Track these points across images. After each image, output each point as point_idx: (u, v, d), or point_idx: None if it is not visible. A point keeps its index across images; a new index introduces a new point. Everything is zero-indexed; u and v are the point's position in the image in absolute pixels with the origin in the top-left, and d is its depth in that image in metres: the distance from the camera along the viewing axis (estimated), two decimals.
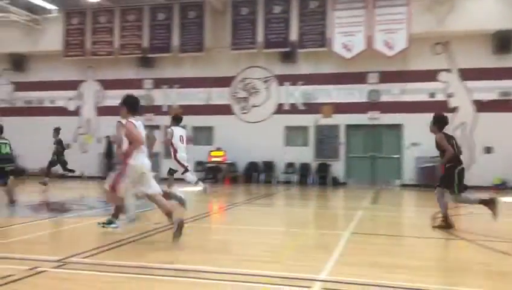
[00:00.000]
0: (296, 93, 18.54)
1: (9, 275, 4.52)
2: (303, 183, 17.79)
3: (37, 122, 20.66)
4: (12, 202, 10.11)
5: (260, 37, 17.99)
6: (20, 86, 21.16)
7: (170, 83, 19.68)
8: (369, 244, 6.67)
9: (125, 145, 6.66)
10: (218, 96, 19.26)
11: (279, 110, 18.70)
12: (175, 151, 11.02)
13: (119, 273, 4.72)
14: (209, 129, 19.30)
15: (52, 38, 19.68)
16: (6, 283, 4.28)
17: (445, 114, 7.97)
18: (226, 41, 18.43)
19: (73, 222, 8.40)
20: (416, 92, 17.39)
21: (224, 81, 19.13)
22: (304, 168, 18.18)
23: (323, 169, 17.98)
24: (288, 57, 18.26)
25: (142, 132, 6.87)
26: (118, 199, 6.89)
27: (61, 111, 20.62)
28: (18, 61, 20.80)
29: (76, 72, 20.51)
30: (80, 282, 4.42)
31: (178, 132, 11.16)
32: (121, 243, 6.30)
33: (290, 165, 18.29)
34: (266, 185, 17.41)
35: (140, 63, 19.53)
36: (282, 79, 18.69)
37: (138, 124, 6.85)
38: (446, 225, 7.57)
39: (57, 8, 19.20)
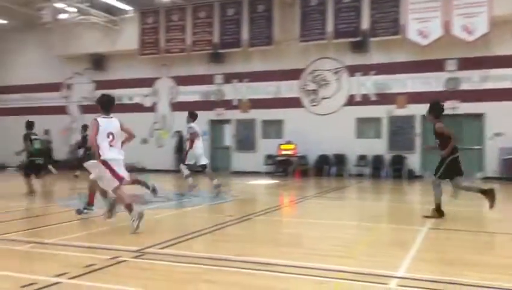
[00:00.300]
0: (368, 84, 18.04)
1: (92, 264, 4.79)
2: (376, 176, 17.31)
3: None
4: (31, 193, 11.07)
5: (330, 27, 17.67)
6: (100, 84, 22.36)
7: (240, 77, 19.91)
8: (448, 240, 6.34)
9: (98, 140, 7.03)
10: (287, 89, 19.20)
11: (350, 101, 18.29)
12: (191, 146, 11.62)
13: (196, 264, 4.84)
14: (278, 122, 19.32)
15: (129, 38, 20.60)
16: (89, 272, 4.54)
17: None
18: (294, 33, 18.30)
19: (151, 213, 8.74)
20: (499, 79, 16.28)
21: (293, 74, 19.03)
22: (377, 160, 17.67)
23: (397, 161, 17.38)
24: (359, 47, 17.79)
25: (114, 128, 7.32)
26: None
27: (138, 107, 21.56)
28: (98, 61, 22.00)
29: (151, 70, 21.33)
30: (158, 272, 4.58)
31: (196, 128, 11.65)
32: (195, 235, 6.47)
33: (362, 157, 17.86)
34: (337, 178, 17.13)
35: (211, 58, 19.93)
36: (353, 69, 18.26)
37: (108, 120, 7.42)
38: (439, 214, 7.69)
39: (132, 8, 20.07)
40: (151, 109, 21.57)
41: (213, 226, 7.25)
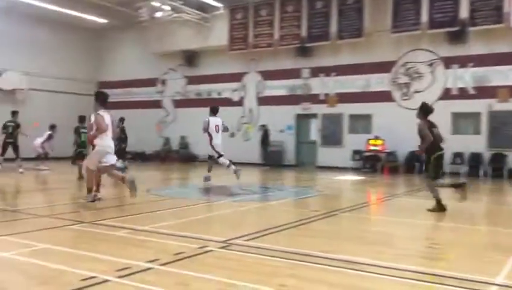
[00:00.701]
0: (466, 76, 16.89)
1: (182, 252, 4.97)
2: (473, 175, 16.17)
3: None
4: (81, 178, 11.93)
5: (424, 17, 16.77)
6: (191, 80, 23.25)
7: (327, 71, 19.60)
8: None
9: (93, 131, 8.40)
10: (377, 82, 18.56)
11: (446, 95, 17.25)
12: (210, 138, 12.45)
13: (280, 258, 4.83)
14: (367, 117, 18.75)
15: (219, 34, 21.13)
16: (178, 259, 4.71)
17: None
18: (386, 24, 17.62)
19: (237, 205, 8.91)
20: None
21: (384, 67, 18.34)
22: (475, 158, 16.52)
23: (498, 160, 16.11)
24: (456, 37, 16.68)
25: (109, 122, 8.47)
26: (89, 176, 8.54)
27: (227, 102, 22.07)
28: (190, 57, 22.84)
29: (240, 65, 21.73)
30: (243, 264, 4.64)
31: (214, 121, 12.56)
32: (280, 229, 6.47)
33: (458, 155, 16.77)
34: None
35: (298, 52, 19.82)
36: (449, 61, 17.18)
37: (106, 115, 8.60)
38: (439, 208, 8.07)
39: (222, 5, 20.55)
40: (239, 103, 21.98)
41: (298, 221, 7.21)
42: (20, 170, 14.88)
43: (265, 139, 19.92)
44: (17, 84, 21.76)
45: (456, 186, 8.26)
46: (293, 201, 10.46)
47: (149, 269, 4.36)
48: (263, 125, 20.19)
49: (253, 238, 5.77)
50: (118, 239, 5.68)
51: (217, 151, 12.55)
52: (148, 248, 5.25)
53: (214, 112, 12.97)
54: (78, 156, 13.17)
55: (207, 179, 12.52)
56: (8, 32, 21.29)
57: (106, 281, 3.98)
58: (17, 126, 15.59)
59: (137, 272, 4.26)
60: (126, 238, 5.74)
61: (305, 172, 18.00)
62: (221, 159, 12.66)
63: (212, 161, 12.77)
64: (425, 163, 8.23)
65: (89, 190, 8.50)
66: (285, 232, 6.38)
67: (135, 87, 24.91)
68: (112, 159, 8.64)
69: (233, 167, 12.75)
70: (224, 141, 18.98)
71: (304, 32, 19.12)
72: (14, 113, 15.99)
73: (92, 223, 6.61)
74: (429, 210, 8.12)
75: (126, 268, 4.33)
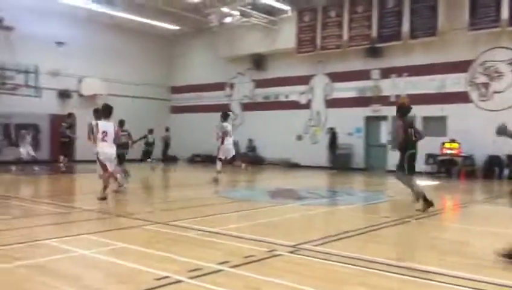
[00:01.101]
0: None
1: (251, 255, 5.02)
2: None
3: (273, 115, 22.62)
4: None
5: (505, 13, 15.78)
6: (259, 83, 23.47)
7: (399, 71, 18.99)
8: None
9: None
10: (452, 83, 17.70)
11: None
12: (222, 142, 13.40)
13: (350, 265, 4.74)
14: (441, 119, 17.92)
15: (287, 37, 21.16)
16: (248, 262, 4.77)
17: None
18: (462, 22, 16.78)
19: (305, 209, 8.87)
20: None
21: (459, 66, 17.46)
22: None
23: None
24: None
25: (110, 131, 9.32)
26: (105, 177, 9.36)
27: (294, 105, 22.06)
28: (258, 61, 23.07)
29: (307, 67, 21.63)
30: (312, 269, 4.60)
31: (226, 126, 13.53)
32: (349, 234, 6.35)
33: None
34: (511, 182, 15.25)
35: (368, 53, 19.39)
36: None
37: (107, 124, 9.44)
38: (427, 205, 8.23)
39: (290, 8, 20.57)
40: (306, 106, 21.86)
41: (367, 227, 7.04)
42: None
43: (333, 142, 19.64)
44: (96, 89, 23.08)
45: (425, 201, 8.30)
46: (363, 206, 10.23)
47: (219, 271, 4.45)
48: (331, 128, 19.93)
49: (321, 244, 5.71)
50: (190, 240, 5.85)
51: (220, 155, 13.60)
52: (218, 249, 5.36)
53: (225, 117, 13.75)
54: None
55: (215, 179, 13.39)
56: (88, 41, 22.66)
57: (179, 281, 4.11)
58: (70, 126, 17.35)
59: (208, 273, 4.35)
60: (197, 239, 5.89)
61: (375, 176, 17.55)
62: (218, 163, 13.62)
63: (221, 162, 13.77)
64: (400, 161, 8.53)
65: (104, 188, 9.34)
66: (355, 238, 6.25)
67: (204, 92, 25.57)
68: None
69: (218, 175, 13.53)
70: (292, 145, 19.13)
71: (374, 32, 18.66)
72: (70, 115, 17.72)
73: (165, 224, 6.85)
74: (419, 210, 8.23)
75: (198, 269, 4.45)
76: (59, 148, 17.60)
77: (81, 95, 22.83)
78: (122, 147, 13.08)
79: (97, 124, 9.32)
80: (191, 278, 4.19)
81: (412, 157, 8.48)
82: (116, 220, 7.29)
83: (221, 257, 4.96)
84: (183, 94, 26.68)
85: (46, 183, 14.36)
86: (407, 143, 8.33)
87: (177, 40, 26.45)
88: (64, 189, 12.90)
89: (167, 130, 22.35)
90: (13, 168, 16.68)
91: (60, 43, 21.67)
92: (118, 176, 10.52)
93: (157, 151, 20.02)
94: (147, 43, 25.40)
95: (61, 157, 17.04)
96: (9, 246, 5.42)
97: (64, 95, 22.28)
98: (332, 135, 19.70)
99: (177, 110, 27.00)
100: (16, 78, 19.45)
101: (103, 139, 9.20)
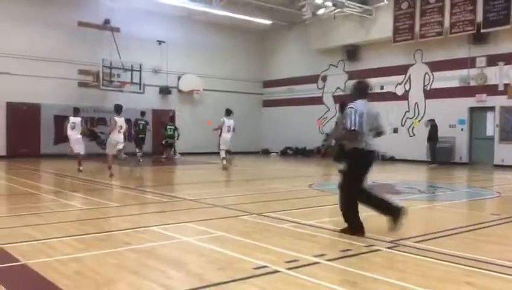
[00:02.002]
0: None
1: (348, 249, 4.95)
2: None
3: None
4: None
5: None
6: (353, 75, 22.90)
7: (508, 58, 17.48)
8: None
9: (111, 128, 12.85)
10: None
11: None
12: (220, 134, 15.10)
13: (454, 263, 4.48)
14: None
15: (382, 26, 20.42)
16: (345, 257, 4.70)
17: None
18: None
19: (403, 204, 8.50)
20: None
21: None
22: None
23: None
24: None
25: (122, 124, 12.77)
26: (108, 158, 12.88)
27: (390, 96, 21.27)
28: (352, 52, 22.54)
29: (404, 57, 20.72)
30: (413, 266, 4.42)
31: (227, 122, 15.16)
32: (452, 232, 6.01)
33: None
34: None
35: (472, 40, 18.10)
36: None
37: (120, 119, 12.75)
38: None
39: None
40: (403, 97, 20.97)
41: (473, 225, 6.60)
42: (141, 160, 17.80)
43: (433, 135, 18.55)
44: (194, 85, 24.12)
45: None
46: (467, 202, 9.61)
47: (316, 263, 4.44)
48: (431, 120, 18.82)
49: (422, 240, 5.46)
50: (285, 231, 5.90)
51: (220, 145, 15.24)
52: (314, 242, 5.35)
53: (228, 113, 15.47)
54: (165, 146, 19.02)
55: (227, 160, 15.29)
56: (186, 38, 23.72)
57: (277, 271, 4.17)
58: (147, 123, 18.82)
59: (305, 265, 4.36)
60: (292, 231, 5.92)
61: (480, 171, 16.38)
62: (221, 153, 15.29)
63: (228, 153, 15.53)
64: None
65: (109, 168, 12.57)
66: (459, 235, 5.90)
67: (296, 85, 25.57)
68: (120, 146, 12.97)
69: (223, 162, 15.18)
70: (388, 138, 18.54)
71: (479, 17, 17.34)
72: (143, 114, 19.27)
73: (260, 215, 6.98)
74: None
75: (294, 260, 4.48)
76: (136, 143, 18.82)
77: (180, 91, 23.98)
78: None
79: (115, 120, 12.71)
80: (289, 269, 4.23)
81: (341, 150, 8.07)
82: (214, 210, 7.57)
83: (318, 249, 4.95)
84: (275, 88, 26.92)
85: (149, 173, 15.31)
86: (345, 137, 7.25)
87: (270, 35, 26.71)
88: (166, 179, 13.67)
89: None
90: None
91: (160, 42, 22.94)
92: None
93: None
94: (240, 39, 25.98)
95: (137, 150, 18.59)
96: (120, 231, 5.87)
97: (164, 91, 23.56)
98: (433, 128, 18.60)
99: (269, 103, 27.32)
100: (122, 76, 20.92)
101: (119, 131, 12.70)
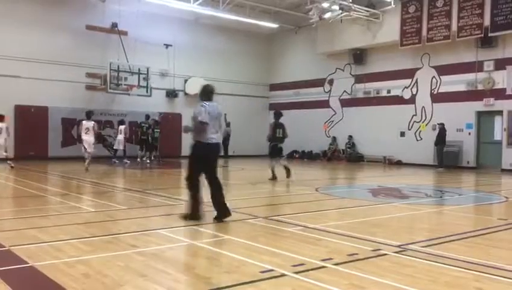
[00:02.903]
0: None
1: (355, 254, 4.92)
2: None
3: (374, 111, 21.97)
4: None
5: None
6: (359, 78, 22.90)
7: None
8: None
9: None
10: None
11: None
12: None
13: (462, 268, 4.45)
14: None
15: (389, 29, 20.39)
16: (352, 261, 4.68)
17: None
18: None
19: (410, 208, 8.50)
20: None
21: None
22: None
23: None
24: None
25: (89, 127, 14.54)
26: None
27: (397, 100, 21.22)
28: (358, 55, 22.51)
29: (411, 61, 20.68)
30: (421, 271, 4.38)
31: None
32: (460, 236, 5.97)
33: None
34: None
35: (479, 43, 18.03)
36: None
37: (88, 123, 14.61)
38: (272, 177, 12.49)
39: None
40: (410, 100, 20.90)
41: (480, 229, 6.56)
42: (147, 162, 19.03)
43: (441, 139, 18.46)
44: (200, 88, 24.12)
45: (286, 169, 12.62)
46: (475, 207, 9.55)
47: (323, 267, 4.42)
48: (440, 124, 18.71)
49: (430, 245, 5.43)
50: (292, 235, 5.89)
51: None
52: (321, 246, 5.33)
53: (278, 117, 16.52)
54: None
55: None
56: (193, 42, 23.81)
57: (283, 275, 4.16)
58: (149, 126, 19.54)
59: (312, 269, 4.35)
60: (299, 235, 5.91)
61: (488, 175, 16.29)
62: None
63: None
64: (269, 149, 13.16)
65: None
66: (467, 240, 5.85)
67: (303, 88, 25.55)
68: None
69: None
70: (395, 141, 18.60)
71: (487, 21, 17.28)
72: (147, 117, 19.96)
73: (267, 218, 6.97)
74: (270, 179, 12.60)
75: (301, 264, 4.47)
76: (139, 144, 20.01)
77: (186, 94, 24.04)
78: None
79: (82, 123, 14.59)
80: (295, 272, 4.22)
81: (274, 148, 12.91)
82: None
83: (324, 253, 4.93)
84: (282, 91, 26.92)
85: (154, 176, 15.35)
86: (273, 138, 12.76)
87: (276, 38, 26.75)
88: (170, 182, 13.70)
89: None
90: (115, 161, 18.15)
91: (167, 45, 23.03)
92: None
93: None
94: (247, 42, 26.03)
95: (140, 153, 19.59)
96: (127, 234, 5.88)
97: (171, 94, 23.63)
98: (441, 131, 18.52)
99: (276, 107, 27.24)
100: (129, 79, 21.00)
101: (86, 133, 14.41)
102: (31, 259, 4.55)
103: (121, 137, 18.66)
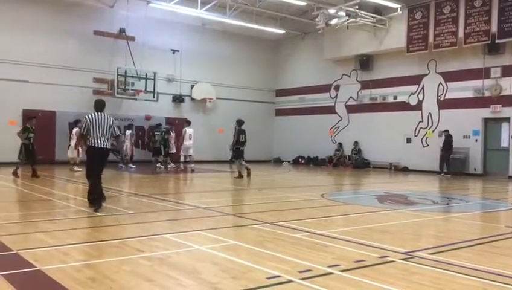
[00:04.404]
0: None
1: (362, 260, 4.91)
2: None
3: (380, 117, 21.93)
4: None
5: None
6: (365, 84, 22.87)
7: None
8: None
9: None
10: None
11: None
12: (181, 144, 18.01)
13: (470, 276, 4.42)
14: None
15: (396, 36, 20.40)
16: (359, 267, 4.66)
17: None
18: None
19: (416, 215, 8.46)
20: None
21: None
22: None
23: None
24: None
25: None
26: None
27: (403, 106, 21.17)
28: (364, 61, 22.50)
29: (418, 67, 20.65)
30: (428, 279, 4.35)
31: (188, 131, 17.90)
32: (468, 244, 5.95)
33: None
34: None
35: (486, 50, 17.98)
36: None
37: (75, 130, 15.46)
38: (239, 176, 14.82)
39: (399, 6, 19.76)
40: (416, 107, 20.85)
41: (488, 237, 6.52)
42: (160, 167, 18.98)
43: (447, 146, 18.38)
44: (206, 94, 24.25)
45: (247, 169, 15.01)
46: (482, 214, 9.50)
47: (330, 273, 4.41)
48: (445, 131, 18.66)
49: (437, 252, 5.40)
50: (298, 241, 5.88)
51: (179, 152, 18.51)
52: (327, 252, 5.31)
53: (189, 123, 18.27)
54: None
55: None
56: (199, 47, 23.91)
57: (290, 281, 4.15)
58: (162, 133, 19.71)
59: (319, 275, 4.34)
60: (305, 241, 5.90)
61: (495, 182, 16.19)
62: (181, 156, 18.45)
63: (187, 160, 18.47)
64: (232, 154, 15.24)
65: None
66: (474, 248, 5.82)
67: (309, 94, 25.57)
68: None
69: (172, 164, 18.96)
70: (401, 148, 18.51)
71: (494, 27, 17.24)
72: (159, 125, 20.52)
73: (273, 224, 6.97)
74: (236, 177, 14.69)
75: (308, 270, 4.46)
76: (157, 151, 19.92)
77: (192, 99, 24.11)
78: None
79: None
80: (302, 279, 4.21)
81: (238, 151, 14.87)
82: (227, 219, 7.57)
83: (331, 260, 4.92)
84: (288, 97, 26.94)
85: (162, 181, 15.37)
86: (237, 143, 14.84)
87: (283, 44, 26.82)
88: (178, 187, 13.73)
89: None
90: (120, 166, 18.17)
91: (174, 51, 23.15)
92: None
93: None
94: (253, 48, 26.11)
95: (154, 159, 19.51)
96: (133, 238, 5.89)
97: (178, 99, 23.71)
98: (447, 138, 18.44)
99: (282, 112, 27.33)
100: (136, 84, 21.10)
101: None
102: (39, 263, 4.58)
103: (128, 142, 18.71)
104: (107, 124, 8.14)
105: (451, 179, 17.11)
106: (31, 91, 19.46)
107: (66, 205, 8.84)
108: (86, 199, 8.40)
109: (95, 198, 8.09)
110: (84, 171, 12.82)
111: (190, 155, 18.24)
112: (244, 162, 15.12)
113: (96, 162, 8.17)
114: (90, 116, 8.09)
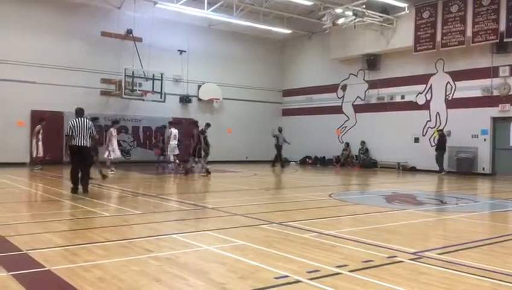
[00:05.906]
0: None
1: (370, 260, 4.89)
2: None
3: (387, 117, 21.84)
4: None
5: None
6: (373, 84, 22.79)
7: None
8: None
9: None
10: None
11: None
12: (168, 143, 18.23)
13: (479, 276, 4.40)
14: None
15: (403, 35, 20.31)
16: (367, 267, 4.65)
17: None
18: None
19: (425, 215, 8.42)
20: None
21: None
22: None
23: None
24: None
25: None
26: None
27: (411, 105, 21.08)
28: (372, 61, 22.42)
29: (425, 66, 20.54)
30: (437, 279, 4.33)
31: (174, 132, 18.04)
32: (477, 244, 5.91)
33: None
34: None
35: (495, 49, 17.86)
36: None
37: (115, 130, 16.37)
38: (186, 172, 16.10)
39: (407, 5, 19.67)
40: (424, 106, 20.75)
41: (497, 237, 6.47)
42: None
43: (442, 144, 18.53)
44: (213, 94, 24.29)
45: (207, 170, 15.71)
46: (491, 214, 9.44)
47: (338, 273, 4.41)
48: (440, 130, 18.78)
49: (446, 252, 5.37)
50: (306, 241, 5.87)
51: (167, 152, 18.55)
52: (335, 252, 5.30)
53: (196, 124, 17.40)
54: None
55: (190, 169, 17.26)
56: (206, 48, 23.95)
57: (298, 281, 4.15)
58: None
59: (327, 276, 4.33)
60: (313, 241, 5.89)
61: (504, 182, 16.07)
62: (169, 155, 18.50)
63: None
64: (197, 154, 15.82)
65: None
66: (483, 248, 5.79)
67: (316, 94, 25.52)
68: None
69: (173, 164, 18.56)
70: (409, 147, 18.47)
71: (502, 26, 17.12)
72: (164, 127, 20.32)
73: (281, 224, 6.96)
74: (202, 175, 15.32)
75: (316, 271, 4.45)
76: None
77: (199, 100, 24.16)
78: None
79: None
80: (310, 279, 4.20)
81: (200, 150, 15.79)
82: (235, 219, 7.58)
83: (339, 260, 4.91)
84: (295, 97, 26.91)
85: (170, 182, 15.42)
86: (198, 144, 15.76)
87: (289, 44, 26.79)
88: (187, 188, 13.75)
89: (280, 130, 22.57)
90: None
91: (181, 51, 23.20)
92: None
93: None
94: (260, 48, 26.10)
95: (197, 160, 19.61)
96: (142, 238, 5.91)
97: (185, 99, 23.76)
98: (441, 137, 18.62)
99: (288, 112, 27.29)
100: (143, 85, 21.17)
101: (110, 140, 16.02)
102: (48, 263, 4.61)
103: (174, 142, 18.05)
104: (86, 126, 10.11)
105: (444, 175, 17.21)
106: (39, 92, 19.59)
107: (74, 206, 8.89)
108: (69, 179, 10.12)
109: (80, 178, 10.21)
110: (98, 175, 13.04)
111: (177, 154, 18.41)
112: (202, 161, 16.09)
113: (78, 158, 10.11)
114: (73, 121, 10.11)
